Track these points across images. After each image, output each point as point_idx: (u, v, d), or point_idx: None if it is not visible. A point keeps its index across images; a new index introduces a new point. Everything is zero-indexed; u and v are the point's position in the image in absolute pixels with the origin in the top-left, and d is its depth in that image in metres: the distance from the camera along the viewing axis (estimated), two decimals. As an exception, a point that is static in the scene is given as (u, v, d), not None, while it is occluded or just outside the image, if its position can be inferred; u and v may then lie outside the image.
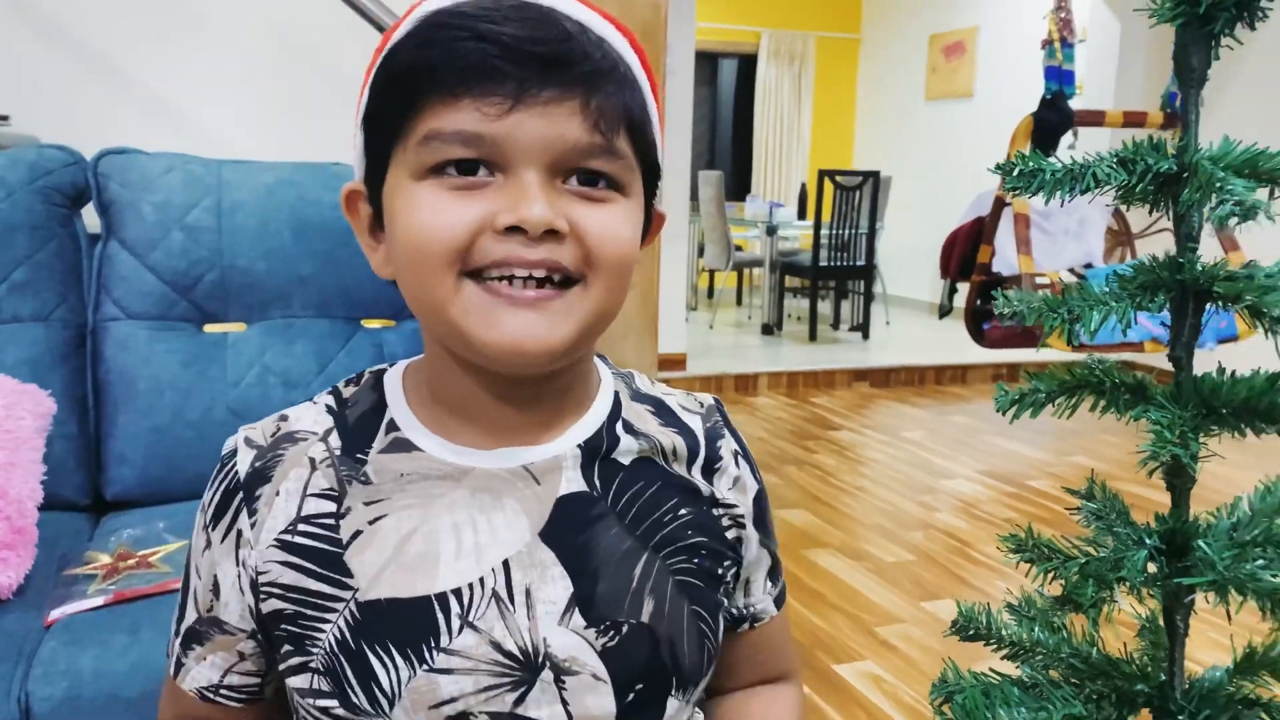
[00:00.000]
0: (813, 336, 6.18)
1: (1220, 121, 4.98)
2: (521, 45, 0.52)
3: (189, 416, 1.47)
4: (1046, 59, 4.15)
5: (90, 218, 1.56)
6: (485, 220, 0.54)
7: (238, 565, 0.60)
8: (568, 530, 0.60)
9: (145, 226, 1.50)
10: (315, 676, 0.58)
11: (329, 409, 0.64)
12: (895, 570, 2.72)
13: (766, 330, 6.39)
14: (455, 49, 0.53)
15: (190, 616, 0.64)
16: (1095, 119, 4.61)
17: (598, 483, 0.62)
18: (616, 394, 0.67)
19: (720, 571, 0.66)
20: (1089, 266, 4.59)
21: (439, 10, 0.55)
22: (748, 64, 8.43)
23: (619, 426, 0.65)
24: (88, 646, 1.04)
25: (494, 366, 0.57)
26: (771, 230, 6.31)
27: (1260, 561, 0.54)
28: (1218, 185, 0.50)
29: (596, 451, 0.63)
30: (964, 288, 4.65)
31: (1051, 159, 0.55)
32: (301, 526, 0.59)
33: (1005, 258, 4.49)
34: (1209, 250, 0.62)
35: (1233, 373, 0.58)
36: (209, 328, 1.53)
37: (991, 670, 0.67)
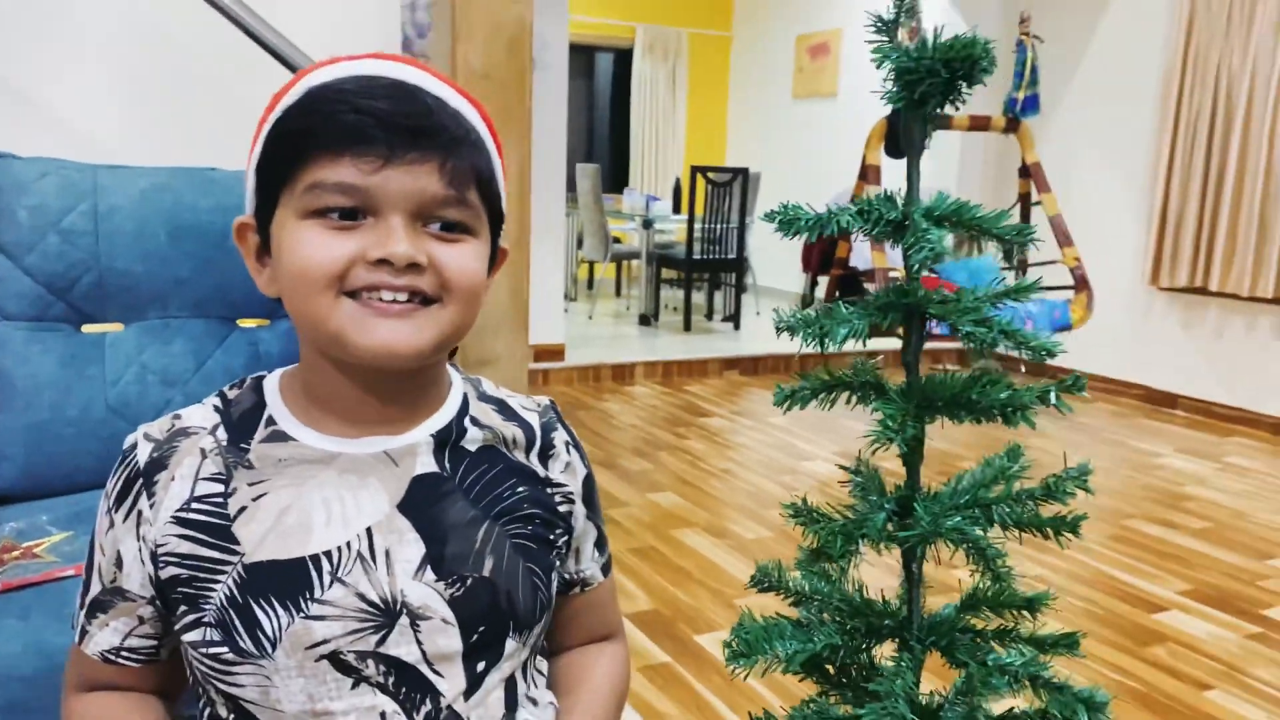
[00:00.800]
0: (687, 327, 6.39)
1: (1061, 120, 5.37)
2: (391, 117, 0.67)
3: (68, 414, 1.52)
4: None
5: (-38, 220, 1.58)
6: (359, 254, 0.68)
7: (138, 540, 0.72)
8: (421, 503, 0.74)
9: (20, 230, 1.54)
10: (208, 629, 0.70)
11: (216, 408, 0.77)
12: (755, 546, 2.92)
13: (644, 321, 6.57)
14: (337, 118, 0.67)
15: (95, 589, 0.75)
16: (943, 123, 4.92)
17: (448, 465, 0.76)
18: (465, 395, 0.81)
19: (551, 538, 0.80)
20: (939, 260, 4.92)
21: (324, 85, 0.69)
22: (624, 58, 8.58)
23: (467, 420, 0.79)
24: (-21, 632, 1.11)
25: (369, 365, 0.70)
26: (648, 224, 6.49)
27: (961, 518, 0.70)
28: (921, 233, 0.66)
29: (447, 440, 0.77)
30: (825, 280, 4.92)
31: (812, 208, 0.71)
32: (194, 505, 0.71)
33: (861, 253, 4.76)
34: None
35: (950, 373, 0.75)
36: (87, 328, 1.58)
37: (777, 614, 0.83)
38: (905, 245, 0.68)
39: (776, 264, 7.71)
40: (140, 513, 0.72)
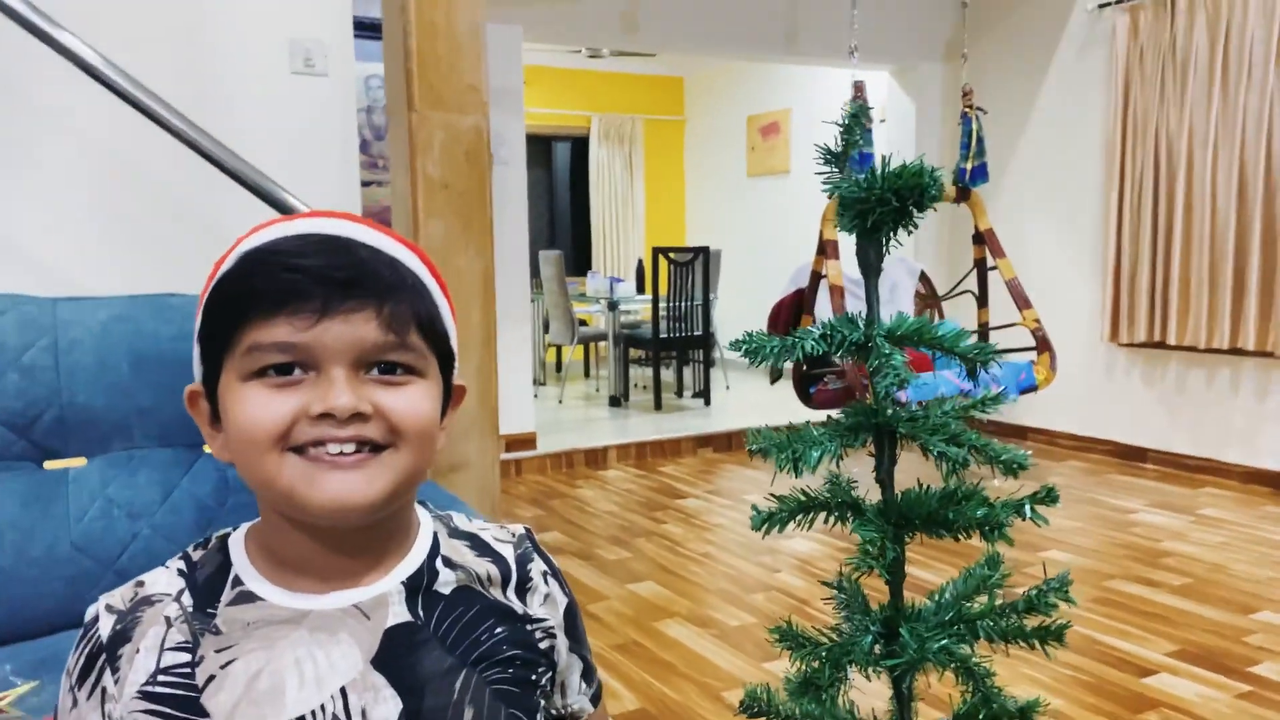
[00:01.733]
0: (658, 405, 6.39)
1: (1010, 186, 5.51)
2: (324, 271, 0.67)
3: (32, 554, 1.48)
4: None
5: (-82, 362, 1.56)
6: (301, 410, 0.67)
7: (103, 718, 0.69)
8: (396, 656, 0.72)
9: (-21, 369, 1.52)
10: None
11: (180, 572, 0.74)
12: (739, 634, 2.88)
13: (614, 402, 6.57)
14: (271, 278, 0.67)
15: None
16: (897, 194, 5.05)
17: (421, 612, 0.74)
18: (435, 534, 0.79)
19: (534, 678, 0.78)
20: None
21: (258, 248, 0.70)
22: (580, 145, 8.73)
23: (438, 562, 0.77)
24: (-59, 801, 1.06)
25: (322, 522, 0.69)
26: (613, 305, 6.53)
27: (947, 638, 0.70)
28: (884, 357, 0.66)
29: (419, 585, 0.75)
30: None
31: (770, 336, 0.71)
32: (161, 677, 0.69)
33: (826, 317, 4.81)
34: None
35: (926, 488, 0.75)
36: (49, 464, 1.55)
37: (768, 740, 0.81)
38: (870, 369, 0.68)
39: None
40: (104, 689, 0.69)
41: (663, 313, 6.28)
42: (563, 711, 0.84)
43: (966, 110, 4.84)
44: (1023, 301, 4.73)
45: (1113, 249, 4.93)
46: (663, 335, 6.31)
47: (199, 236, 2.25)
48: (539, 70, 7.78)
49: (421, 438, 0.71)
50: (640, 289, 7.02)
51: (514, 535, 0.84)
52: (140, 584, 0.74)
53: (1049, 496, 0.71)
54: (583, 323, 7.09)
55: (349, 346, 0.67)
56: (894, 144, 5.96)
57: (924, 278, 5.40)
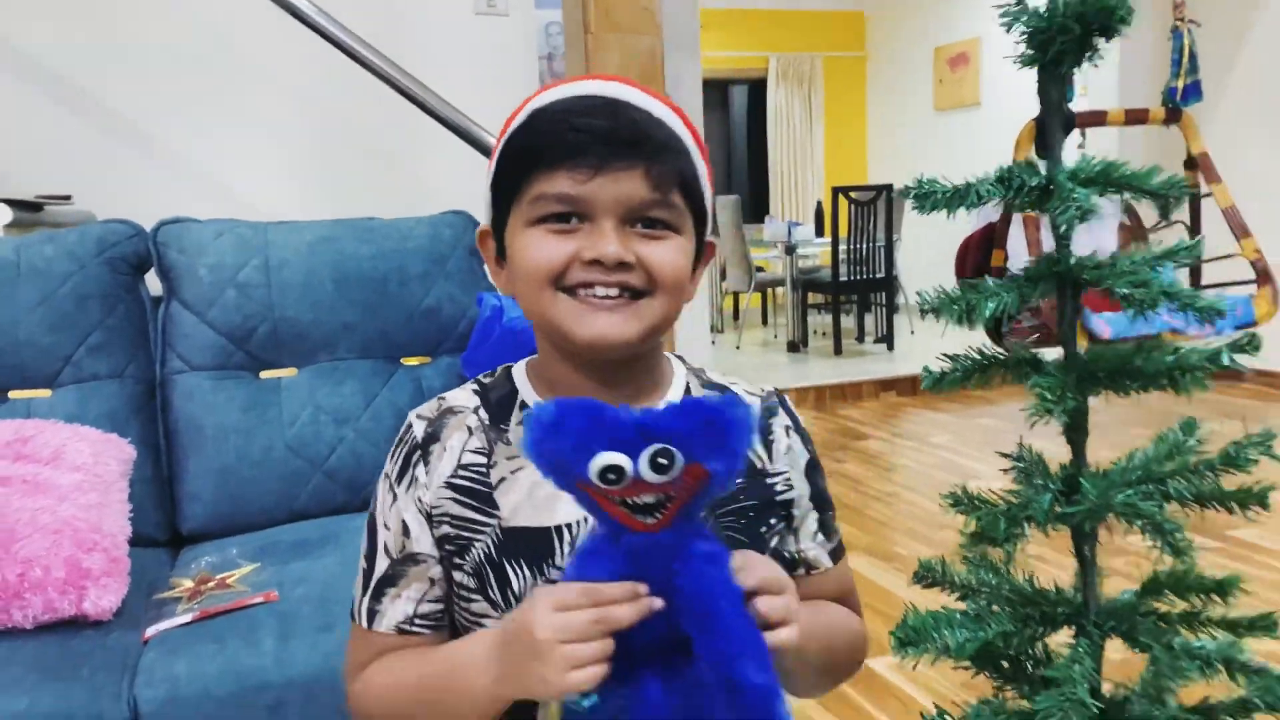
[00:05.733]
0: (838, 350, 6.28)
1: (1227, 106, 5.07)
2: (601, 131, 0.74)
3: (252, 456, 1.63)
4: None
5: (152, 282, 1.73)
6: (575, 254, 0.76)
7: (417, 504, 0.80)
8: None
9: (202, 287, 1.67)
10: (466, 577, 0.79)
11: (475, 392, 0.85)
12: (922, 567, 2.82)
13: (792, 347, 6.50)
14: (555, 135, 0.75)
15: (382, 567, 0.81)
16: (1097, 119, 4.71)
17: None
18: (688, 382, 0.86)
19: (763, 530, 0.83)
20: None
21: (544, 106, 0.78)
22: (758, 88, 8.61)
23: None
24: (181, 656, 1.19)
25: (586, 354, 0.78)
26: (791, 250, 6.43)
27: (1132, 493, 0.66)
28: (1066, 193, 0.63)
29: None
30: (980, 292, 4.75)
31: (949, 180, 0.69)
32: (462, 472, 0.80)
33: (1018, 260, 4.58)
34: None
35: (1109, 343, 0.71)
36: (264, 374, 1.69)
37: (943, 607, 0.80)
38: (1051, 209, 0.65)
39: (929, 280, 7.50)
40: (417, 479, 0.81)
41: (842, 255, 6.13)
42: (795, 556, 0.86)
43: (1177, 23, 4.45)
44: (1241, 230, 4.35)
45: (1349, 169, 4.45)
46: (842, 279, 6.17)
47: (390, 172, 2.37)
48: (715, 13, 7.69)
49: (675, 288, 0.78)
50: (819, 232, 6.87)
51: (763, 391, 0.89)
52: (443, 399, 0.85)
53: (1251, 344, 0.66)
54: (760, 269, 7.03)
55: (619, 201, 0.75)
56: (1099, 67, 5.59)
57: (1129, 209, 5.06)
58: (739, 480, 0.80)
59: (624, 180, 0.74)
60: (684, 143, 0.79)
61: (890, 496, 3.55)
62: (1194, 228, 4.80)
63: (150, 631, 1.25)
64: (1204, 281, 4.81)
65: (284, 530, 1.58)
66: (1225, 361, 0.65)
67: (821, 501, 0.88)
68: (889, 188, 6.12)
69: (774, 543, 0.84)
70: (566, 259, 0.75)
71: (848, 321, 6.86)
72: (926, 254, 7.46)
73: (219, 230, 1.71)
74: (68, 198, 2.06)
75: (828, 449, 4.29)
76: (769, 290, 7.59)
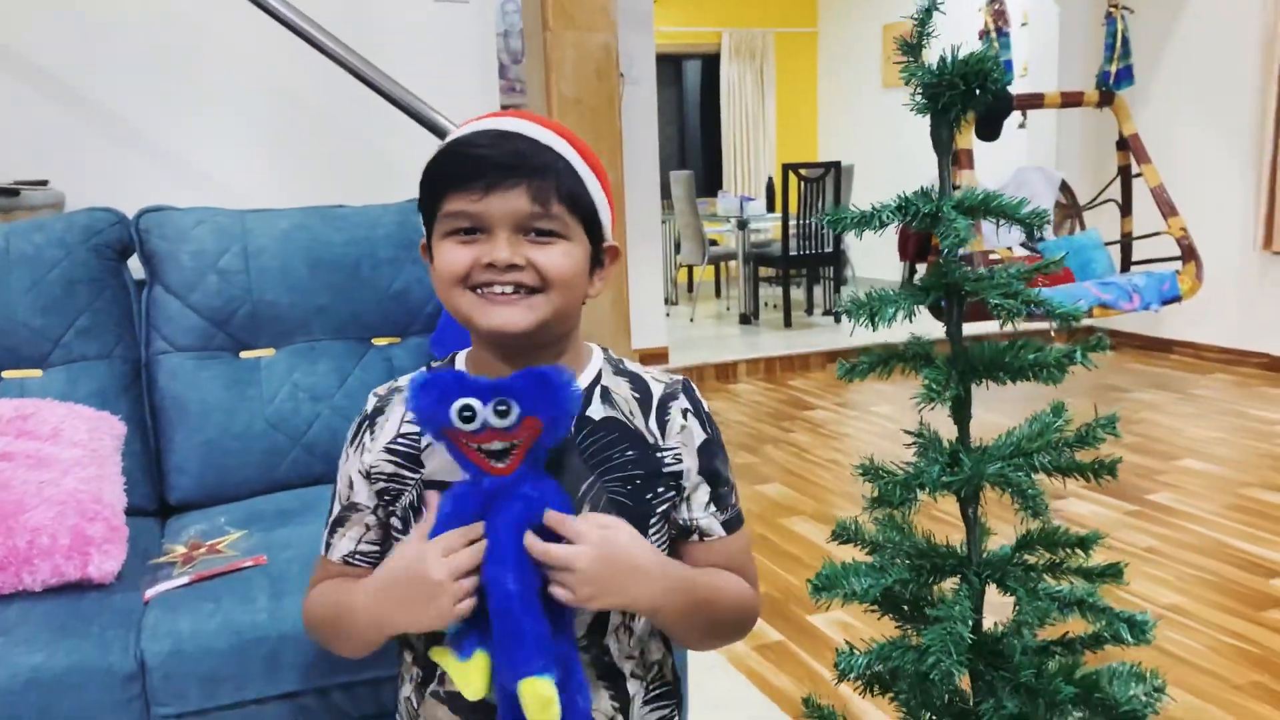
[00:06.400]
0: (788, 323, 6.47)
1: (1158, 89, 5.27)
2: (489, 158, 0.90)
3: (234, 431, 1.74)
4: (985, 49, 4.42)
5: (135, 267, 1.83)
6: (476, 260, 0.91)
7: (360, 464, 0.98)
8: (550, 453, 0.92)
9: (184, 272, 1.76)
10: (396, 521, 0.97)
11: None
12: (861, 531, 3.01)
13: (744, 320, 6.67)
14: (457, 164, 0.91)
15: (336, 510, 1.02)
16: (1035, 102, 4.90)
17: (573, 428, 0.94)
18: (600, 370, 0.99)
19: (650, 497, 0.96)
20: (1041, 240, 4.88)
21: (453, 141, 0.94)
22: (711, 63, 8.71)
23: (597, 391, 0.97)
24: (182, 614, 1.31)
25: (493, 339, 0.93)
26: (743, 224, 6.59)
27: (1003, 465, 0.82)
28: (949, 223, 0.78)
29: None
30: (923, 268, 4.94)
31: (857, 207, 0.83)
32: (400, 440, 0.97)
33: (958, 238, 4.78)
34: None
35: (988, 341, 0.86)
36: (244, 354, 1.80)
37: (853, 559, 0.95)
38: (938, 234, 0.80)
39: (874, 254, 7.70)
40: (364, 445, 0.99)
41: (792, 230, 6.30)
42: (688, 523, 0.99)
43: (1111, 10, 4.65)
44: (1168, 209, 4.58)
45: (1269, 152, 4.70)
46: (793, 253, 6.35)
47: (358, 156, 2.47)
48: (669, -11, 7.77)
49: (564, 284, 0.92)
50: (770, 207, 7.04)
51: (671, 379, 1.01)
52: (396, 381, 1.02)
53: (1099, 344, 0.81)
54: (713, 242, 7.18)
55: (507, 214, 0.89)
56: (1037, 47, 5.77)
57: (1065, 187, 5.25)
58: (630, 453, 0.95)
59: (511, 197, 0.89)
60: (569, 162, 0.93)
61: (831, 464, 3.73)
62: (1125, 206, 5.02)
63: (150, 593, 1.37)
64: (1134, 259, 5.05)
65: (266, 500, 1.70)
66: (1078, 359, 0.80)
67: (714, 478, 1.00)
68: (837, 165, 6.28)
69: (663, 509, 0.97)
70: (469, 263, 0.90)
71: (797, 294, 7.05)
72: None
73: (199, 218, 1.81)
74: (44, 182, 2.14)
75: (777, 418, 4.47)
76: (722, 263, 7.75)
